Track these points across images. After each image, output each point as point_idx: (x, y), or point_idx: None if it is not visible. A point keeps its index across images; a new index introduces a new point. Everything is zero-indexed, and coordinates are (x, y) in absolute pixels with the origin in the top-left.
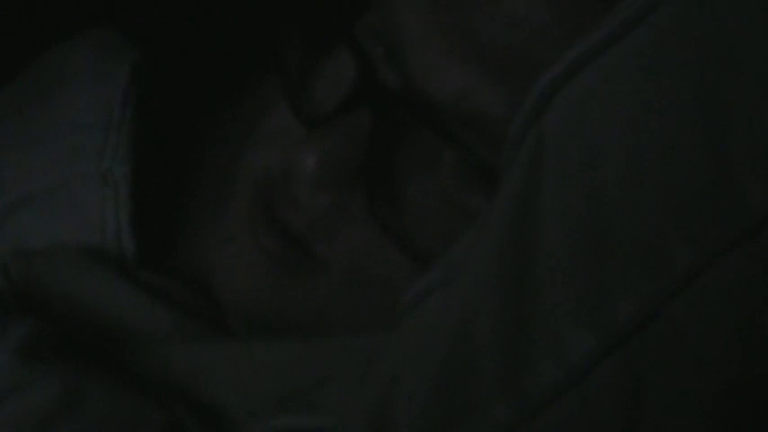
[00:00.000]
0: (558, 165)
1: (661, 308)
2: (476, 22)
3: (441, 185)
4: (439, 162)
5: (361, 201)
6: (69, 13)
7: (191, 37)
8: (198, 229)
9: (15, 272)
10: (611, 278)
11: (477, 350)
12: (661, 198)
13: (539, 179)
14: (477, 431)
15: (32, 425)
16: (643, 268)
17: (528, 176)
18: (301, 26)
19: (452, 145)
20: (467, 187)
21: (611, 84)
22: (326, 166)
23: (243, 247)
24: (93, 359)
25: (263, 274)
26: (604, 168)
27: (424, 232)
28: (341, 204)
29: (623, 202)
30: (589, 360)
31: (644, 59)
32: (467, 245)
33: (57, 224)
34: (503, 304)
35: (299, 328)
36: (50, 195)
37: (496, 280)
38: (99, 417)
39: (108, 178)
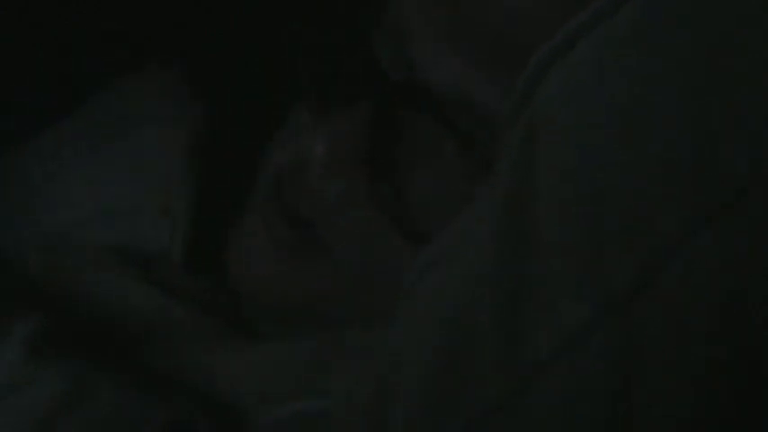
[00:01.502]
0: (551, 139)
1: (650, 278)
2: (475, 15)
3: (443, 173)
4: (441, 150)
5: (368, 188)
6: (134, 48)
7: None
8: (217, 226)
9: (35, 265)
10: (604, 250)
11: (475, 326)
12: (650, 169)
13: (532, 154)
14: (476, 405)
15: (36, 421)
16: (634, 239)
17: (522, 152)
18: (317, 29)
19: (453, 134)
20: (469, 175)
21: (601, 57)
22: (335, 154)
23: (256, 238)
24: (104, 355)
25: (275, 262)
26: (595, 142)
27: (427, 219)
28: (349, 191)
29: (614, 173)
30: (583, 330)
31: (635, 33)
32: (462, 224)
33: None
34: (499, 281)
35: (309, 313)
36: (113, 220)
37: (492, 257)
38: (103, 414)
39: (169, 214)
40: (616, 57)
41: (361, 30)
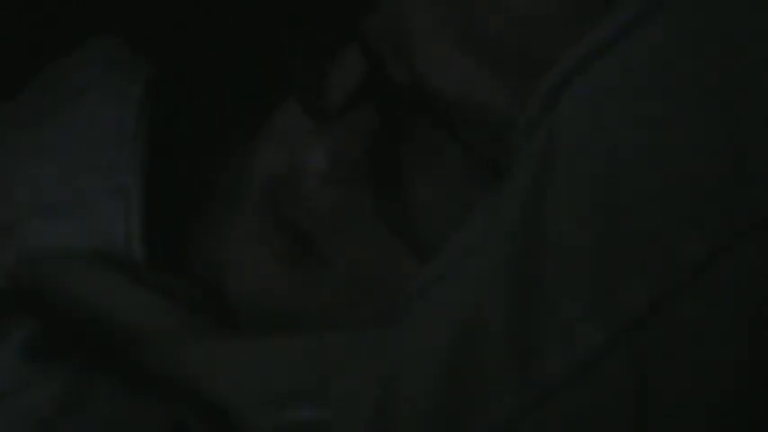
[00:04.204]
0: (569, 157)
1: (669, 300)
2: (479, 19)
3: (446, 181)
4: (444, 158)
5: (367, 197)
6: (77, 21)
7: (197, 41)
8: (210, 229)
9: (21, 274)
10: (621, 270)
11: (484, 340)
12: (672, 191)
13: (549, 171)
14: (483, 421)
15: (36, 422)
16: (652, 260)
17: (538, 168)
18: (311, 28)
19: (457, 140)
20: (472, 182)
21: (623, 77)
22: (334, 163)
23: (252, 245)
24: (99, 359)
25: (272, 272)
26: (615, 161)
27: (429, 227)
28: (347, 201)
29: (634, 194)
30: (597, 352)
31: (656, 54)
32: (470, 235)
33: (68, 234)
34: (511, 295)
35: (306, 323)
36: (64, 207)
37: (505, 271)
38: (102, 417)
39: (121, 191)
40: (639, 78)
41: (357, 31)
